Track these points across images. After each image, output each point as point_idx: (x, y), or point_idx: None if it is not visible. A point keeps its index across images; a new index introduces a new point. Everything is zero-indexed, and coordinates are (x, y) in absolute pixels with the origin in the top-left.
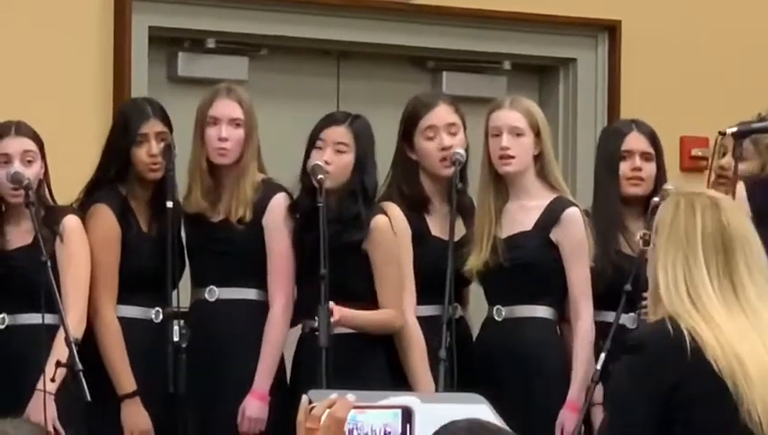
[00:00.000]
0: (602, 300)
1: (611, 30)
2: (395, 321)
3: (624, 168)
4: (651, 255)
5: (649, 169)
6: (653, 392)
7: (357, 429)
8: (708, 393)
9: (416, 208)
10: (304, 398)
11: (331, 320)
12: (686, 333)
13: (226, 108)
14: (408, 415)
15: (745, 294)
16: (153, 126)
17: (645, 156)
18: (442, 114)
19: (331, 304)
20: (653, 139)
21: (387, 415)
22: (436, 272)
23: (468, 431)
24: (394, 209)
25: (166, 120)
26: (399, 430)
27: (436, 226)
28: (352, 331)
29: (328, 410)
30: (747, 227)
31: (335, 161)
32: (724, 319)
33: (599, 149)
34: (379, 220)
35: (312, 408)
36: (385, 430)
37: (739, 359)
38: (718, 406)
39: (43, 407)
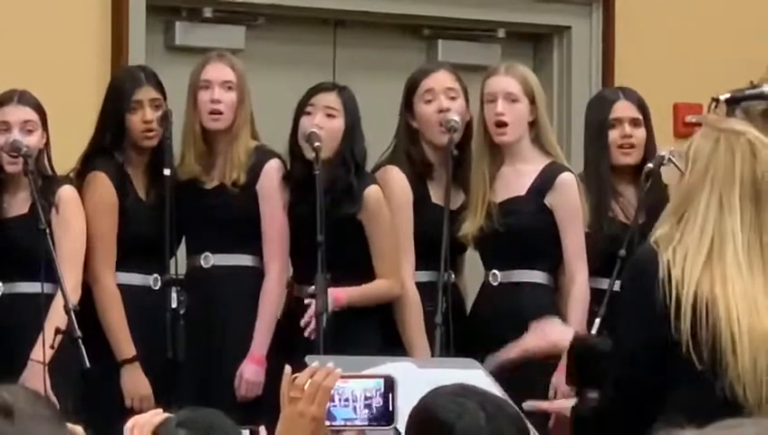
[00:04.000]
0: (597, 267)
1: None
2: (392, 291)
3: (614, 135)
4: (681, 183)
5: (639, 135)
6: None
7: (338, 393)
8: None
9: (418, 175)
10: (287, 368)
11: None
12: (669, 262)
13: (218, 71)
14: (390, 384)
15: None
16: (147, 93)
17: (634, 122)
18: (440, 78)
19: (331, 292)
20: (641, 105)
21: (369, 385)
22: (433, 238)
23: (455, 395)
24: (395, 172)
25: (159, 88)
26: (381, 398)
27: (437, 193)
28: None
29: (310, 380)
30: None
31: (326, 125)
32: (736, 273)
33: (587, 118)
34: (371, 191)
35: (295, 378)
36: (366, 396)
37: (729, 319)
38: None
39: (36, 376)
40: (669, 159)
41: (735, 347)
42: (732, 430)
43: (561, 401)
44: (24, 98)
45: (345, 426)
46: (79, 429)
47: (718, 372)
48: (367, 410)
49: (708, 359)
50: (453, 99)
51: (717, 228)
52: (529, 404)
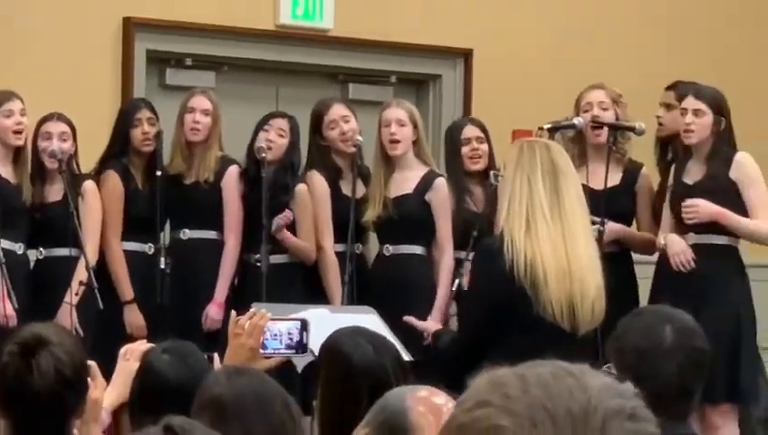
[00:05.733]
0: (456, 242)
1: (466, 55)
2: (310, 253)
3: (465, 150)
4: (501, 185)
5: (484, 149)
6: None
7: (269, 331)
8: (518, 294)
9: (332, 177)
10: (233, 313)
11: (274, 228)
12: (506, 246)
13: (200, 102)
14: (304, 325)
15: (565, 207)
16: (144, 113)
17: (479, 140)
18: (338, 110)
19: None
20: (483, 128)
21: (290, 325)
22: (345, 220)
23: (353, 334)
24: (316, 175)
25: (154, 112)
26: (298, 334)
27: (346, 188)
28: (284, 261)
29: (249, 321)
30: (568, 163)
31: (276, 141)
32: (545, 231)
33: (446, 139)
34: (300, 187)
35: (239, 319)
36: (288, 333)
37: (542, 265)
38: (528, 306)
39: (66, 314)
40: (494, 175)
41: (547, 279)
42: (530, 369)
43: (431, 323)
44: (61, 117)
45: (273, 353)
46: (93, 363)
47: (537, 298)
48: (288, 342)
49: (532, 291)
50: (347, 122)
51: (529, 200)
52: (407, 318)
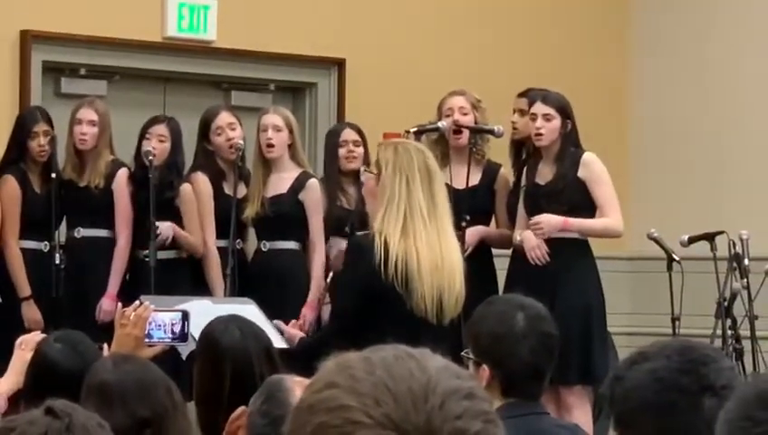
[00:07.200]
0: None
1: (340, 64)
2: (198, 247)
3: (342, 151)
4: (381, 185)
5: (359, 151)
6: (358, 283)
7: (154, 322)
8: (386, 289)
9: (215, 178)
10: (119, 305)
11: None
12: (376, 244)
13: (86, 113)
14: (186, 316)
15: (438, 207)
16: (41, 126)
17: (355, 143)
18: (225, 117)
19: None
20: (359, 132)
21: (173, 316)
22: (227, 218)
23: (226, 321)
24: (201, 176)
25: (49, 121)
26: (180, 324)
27: (228, 188)
28: (171, 256)
29: (134, 312)
30: (436, 166)
31: (158, 148)
32: (422, 231)
33: (325, 142)
34: (185, 186)
35: (124, 311)
36: (171, 323)
37: (417, 263)
38: (398, 301)
39: None
40: (364, 170)
41: (421, 277)
42: (375, 352)
43: (295, 332)
44: None
45: (158, 342)
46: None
47: (409, 294)
48: (171, 332)
49: (403, 289)
50: (234, 129)
51: (407, 201)
52: (276, 322)
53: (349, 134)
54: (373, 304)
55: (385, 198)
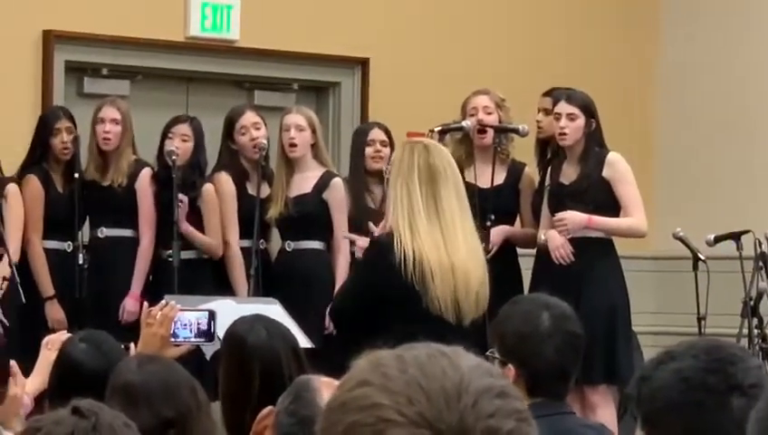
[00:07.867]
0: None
1: (363, 63)
2: (217, 249)
3: (369, 151)
4: (388, 186)
5: (386, 151)
6: (371, 285)
7: (180, 321)
8: (406, 288)
9: (239, 178)
10: (145, 304)
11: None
12: (396, 242)
13: (109, 112)
14: (212, 316)
15: (442, 205)
16: (63, 123)
17: (383, 143)
18: (249, 117)
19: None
20: (387, 132)
21: (199, 315)
22: (251, 218)
23: (251, 321)
24: (224, 175)
25: (72, 120)
26: (206, 324)
27: (252, 188)
28: (194, 256)
29: (160, 312)
30: (446, 165)
31: (181, 147)
32: (426, 231)
33: (352, 140)
34: (207, 186)
35: (151, 310)
36: (197, 322)
37: (428, 262)
38: (414, 298)
39: None
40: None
41: (433, 276)
42: (408, 350)
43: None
44: None
45: (184, 341)
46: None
47: (425, 293)
48: (197, 331)
49: (420, 287)
50: (258, 129)
51: (408, 204)
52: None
53: (377, 134)
54: (390, 302)
55: (390, 200)
